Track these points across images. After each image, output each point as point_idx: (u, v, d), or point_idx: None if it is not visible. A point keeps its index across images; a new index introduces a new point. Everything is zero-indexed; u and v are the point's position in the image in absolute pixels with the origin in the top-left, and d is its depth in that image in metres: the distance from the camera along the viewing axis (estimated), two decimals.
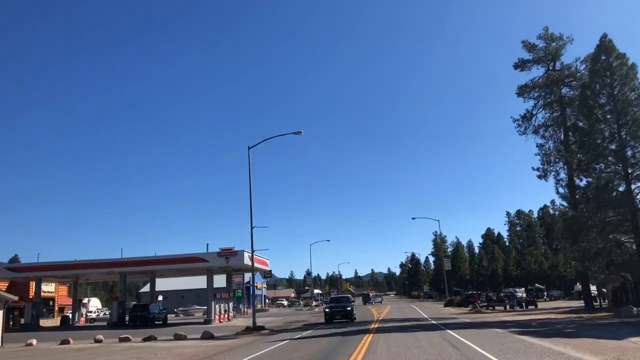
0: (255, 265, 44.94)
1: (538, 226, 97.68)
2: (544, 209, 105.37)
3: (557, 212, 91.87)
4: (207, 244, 41.62)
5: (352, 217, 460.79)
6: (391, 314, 42.65)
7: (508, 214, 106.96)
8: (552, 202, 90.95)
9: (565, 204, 38.93)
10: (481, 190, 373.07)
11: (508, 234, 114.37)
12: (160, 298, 56.88)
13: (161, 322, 43.60)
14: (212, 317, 42.26)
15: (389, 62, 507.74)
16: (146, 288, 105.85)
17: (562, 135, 40.45)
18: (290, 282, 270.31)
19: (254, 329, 28.53)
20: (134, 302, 48.22)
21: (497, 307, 48.44)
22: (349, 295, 45.67)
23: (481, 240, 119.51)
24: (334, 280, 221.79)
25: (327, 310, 34.33)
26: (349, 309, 33.48)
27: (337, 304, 35.49)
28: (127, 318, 41.78)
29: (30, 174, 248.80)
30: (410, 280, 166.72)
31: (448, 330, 22.09)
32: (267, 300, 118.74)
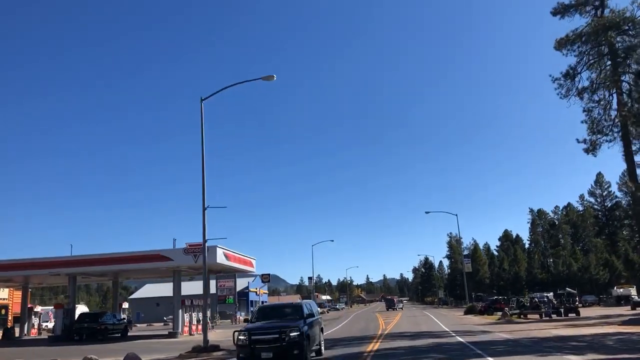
0: (235, 265, 36.92)
1: (566, 223, 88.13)
2: (568, 207, 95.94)
3: (586, 208, 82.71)
4: (174, 239, 33.06)
5: (363, 222, 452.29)
6: (400, 326, 34.14)
7: (531, 211, 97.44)
8: (581, 196, 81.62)
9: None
10: (497, 191, 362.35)
11: (530, 234, 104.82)
12: (125, 305, 48.92)
13: (119, 335, 35.69)
14: (180, 329, 34.21)
15: (398, 64, 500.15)
16: (138, 294, 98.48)
17: (615, 96, 31.87)
18: (300, 288, 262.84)
19: (204, 350, 20.41)
20: (83, 311, 40.05)
21: (529, 316, 39.80)
22: (304, 303, 17.77)
23: (498, 243, 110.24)
24: (344, 286, 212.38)
25: (242, 337, 14.63)
26: (294, 334, 14.24)
27: (268, 324, 15.47)
28: None
29: None
30: (424, 285, 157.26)
31: (489, 359, 13.73)
32: None
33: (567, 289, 64.32)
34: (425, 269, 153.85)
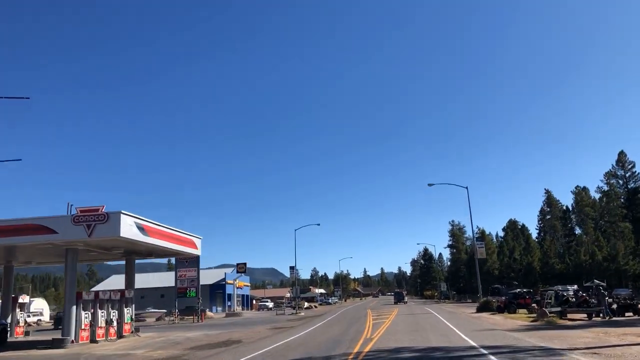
0: (159, 242, 25.88)
1: (588, 206, 76.99)
2: (584, 190, 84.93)
3: (611, 187, 71.71)
4: (70, 204, 21.41)
5: (363, 216, 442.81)
6: (395, 331, 23.09)
7: (547, 192, 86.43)
8: (607, 174, 70.40)
9: None
10: (502, 178, 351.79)
11: (539, 222, 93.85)
12: (25, 299, 37.80)
13: None
14: (72, 335, 23.25)
15: (379, 62, 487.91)
16: (101, 286, 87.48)
17: None
18: (298, 281, 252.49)
19: None
20: None
21: (572, 315, 28.94)
22: None
23: (502, 234, 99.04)
24: (339, 279, 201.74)
25: None
26: None
27: None
28: None
29: None
30: (423, 278, 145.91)
31: None
32: (252, 302, 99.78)
33: (596, 281, 53.27)
34: (425, 261, 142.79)
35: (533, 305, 36.34)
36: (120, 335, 26.92)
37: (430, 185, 43.31)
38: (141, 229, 23.96)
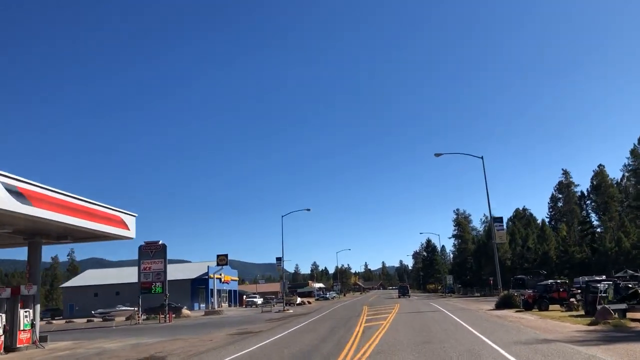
0: (56, 216, 18.13)
1: (611, 187, 68.96)
2: (601, 173, 76.95)
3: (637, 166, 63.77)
4: None
5: (364, 211, 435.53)
6: (394, 343, 15.30)
7: (565, 172, 78.45)
8: (634, 151, 62.41)
9: None
10: (507, 166, 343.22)
11: (550, 210, 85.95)
12: None
13: None
14: None
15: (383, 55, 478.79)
16: (73, 281, 79.54)
17: None
18: (295, 276, 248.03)
19: None
20: None
21: (634, 312, 21.17)
22: None
23: (510, 225, 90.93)
24: (339, 273, 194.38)
25: None
26: None
27: None
28: None
29: None
30: (426, 271, 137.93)
31: None
32: (244, 297, 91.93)
33: (629, 271, 45.44)
34: (428, 253, 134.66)
35: (571, 300, 28.65)
36: (12, 347, 19.26)
37: (437, 155, 35.38)
38: (18, 194, 16.18)
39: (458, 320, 23.28)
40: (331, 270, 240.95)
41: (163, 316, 43.14)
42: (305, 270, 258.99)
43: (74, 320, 58.48)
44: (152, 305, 54.40)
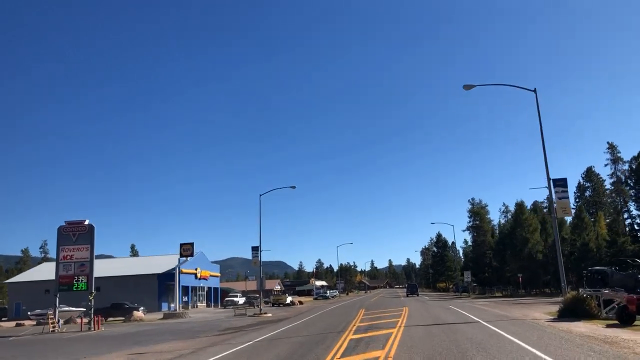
0: None
1: None
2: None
3: None
4: None
5: (371, 210, 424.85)
6: None
7: (611, 146, 65.88)
8: None
9: None
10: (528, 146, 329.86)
11: (577, 197, 73.81)
12: None
13: None
14: None
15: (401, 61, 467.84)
16: (21, 277, 68.24)
17: None
18: (300, 273, 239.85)
19: None
20: None
21: None
22: None
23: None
24: (343, 271, 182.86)
25: None
26: None
27: None
28: None
29: None
30: (436, 268, 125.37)
31: None
32: (228, 295, 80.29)
33: None
34: (438, 248, 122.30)
35: None
36: None
37: (467, 87, 23.57)
38: None
39: (524, 345, 11.54)
40: (336, 268, 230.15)
41: (87, 322, 31.73)
42: (310, 268, 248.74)
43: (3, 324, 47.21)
44: (102, 305, 43.51)
